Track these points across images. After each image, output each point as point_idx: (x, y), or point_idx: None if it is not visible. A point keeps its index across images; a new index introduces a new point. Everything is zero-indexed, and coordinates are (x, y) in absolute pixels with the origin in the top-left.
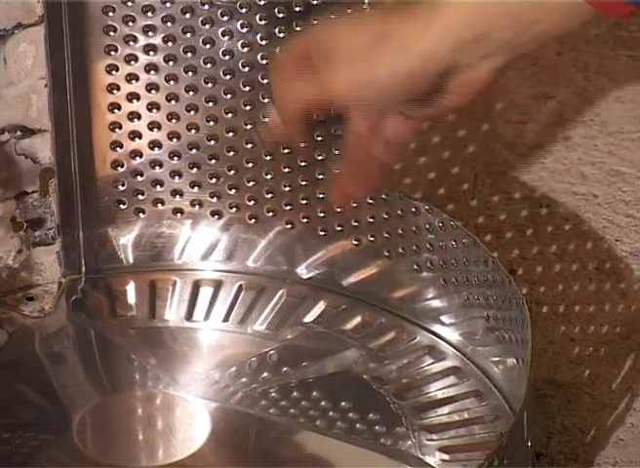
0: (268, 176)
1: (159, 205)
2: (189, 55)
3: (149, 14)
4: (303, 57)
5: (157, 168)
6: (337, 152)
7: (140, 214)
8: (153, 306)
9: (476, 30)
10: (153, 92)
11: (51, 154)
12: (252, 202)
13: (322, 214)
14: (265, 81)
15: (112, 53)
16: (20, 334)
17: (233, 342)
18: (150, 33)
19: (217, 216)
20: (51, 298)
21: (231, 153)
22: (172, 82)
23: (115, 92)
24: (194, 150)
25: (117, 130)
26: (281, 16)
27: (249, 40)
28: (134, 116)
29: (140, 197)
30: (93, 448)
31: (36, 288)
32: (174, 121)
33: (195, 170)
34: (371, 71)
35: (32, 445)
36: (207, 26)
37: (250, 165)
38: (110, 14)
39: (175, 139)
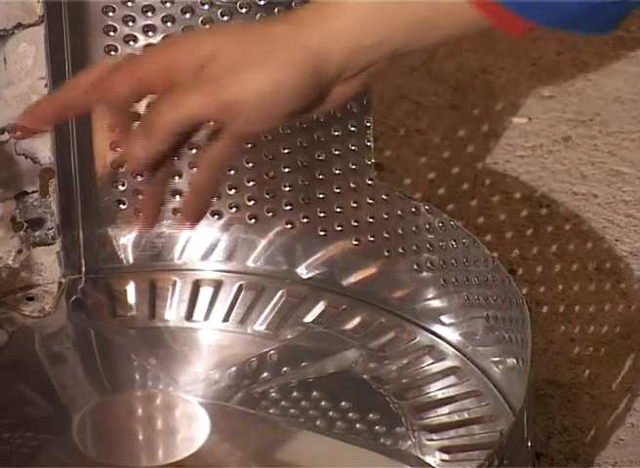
0: (268, 177)
1: None
2: None
3: (149, 14)
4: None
5: None
6: (336, 153)
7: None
8: (153, 306)
9: (374, 36)
10: None
11: (51, 154)
12: (252, 202)
13: (322, 214)
14: None
15: (112, 53)
16: (19, 334)
17: (233, 342)
18: (150, 33)
19: (217, 216)
20: (51, 298)
21: None
22: None
23: None
24: (194, 150)
25: (117, 129)
26: None
27: None
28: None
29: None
30: (93, 448)
31: (36, 288)
32: None
33: (195, 170)
34: (258, 76)
35: (32, 445)
36: (207, 26)
37: (250, 165)
38: (110, 14)
39: None
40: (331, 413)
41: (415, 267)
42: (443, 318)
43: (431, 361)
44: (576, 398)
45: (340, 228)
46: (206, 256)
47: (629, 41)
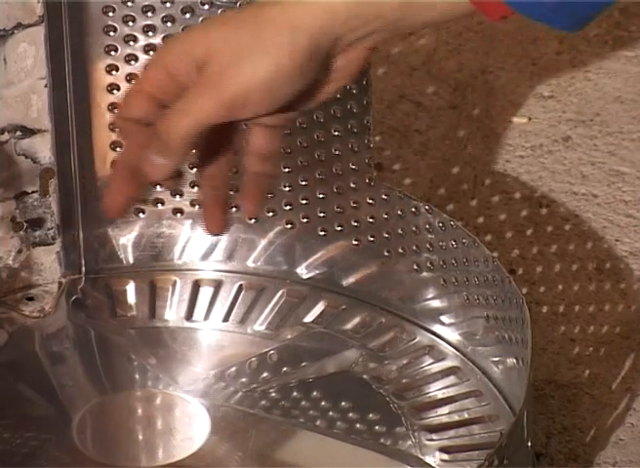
0: None
1: (159, 205)
2: None
3: (149, 14)
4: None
5: None
6: (336, 153)
7: (140, 215)
8: (153, 306)
9: (364, 7)
10: None
11: (51, 154)
12: None
13: (322, 214)
14: None
15: (112, 53)
16: (19, 334)
17: (233, 342)
18: (150, 33)
19: None
20: (51, 298)
21: None
22: None
23: (115, 92)
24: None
25: (117, 130)
26: None
27: None
28: None
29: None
30: (93, 448)
31: (36, 288)
32: None
33: (195, 170)
34: (255, 65)
35: (32, 445)
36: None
37: None
38: (110, 14)
39: None
40: (331, 413)
41: (415, 267)
42: (443, 318)
43: (431, 361)
44: (576, 398)
45: (339, 228)
46: (206, 256)
47: (629, 41)
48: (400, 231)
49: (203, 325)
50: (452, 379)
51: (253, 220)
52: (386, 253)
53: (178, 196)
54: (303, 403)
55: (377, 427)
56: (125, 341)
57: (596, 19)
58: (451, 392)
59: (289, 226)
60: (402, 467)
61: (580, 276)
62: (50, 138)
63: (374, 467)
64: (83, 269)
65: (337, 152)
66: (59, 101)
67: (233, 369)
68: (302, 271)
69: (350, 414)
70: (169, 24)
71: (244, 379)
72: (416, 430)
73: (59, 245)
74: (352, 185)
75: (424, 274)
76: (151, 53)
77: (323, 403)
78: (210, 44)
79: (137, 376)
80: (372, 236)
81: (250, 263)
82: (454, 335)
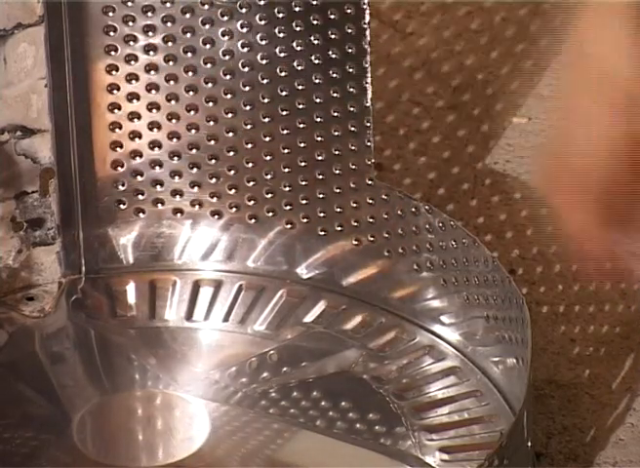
0: (268, 176)
1: (159, 205)
2: (189, 55)
3: (149, 14)
4: None
5: (157, 168)
6: (336, 153)
7: (140, 214)
8: (153, 306)
9: None
10: (153, 92)
11: (51, 154)
12: (252, 202)
13: (322, 214)
14: (265, 81)
15: (112, 53)
16: (19, 334)
17: (233, 342)
18: (150, 33)
19: (217, 216)
20: (51, 298)
21: (231, 153)
22: (172, 82)
23: (115, 92)
24: (194, 150)
25: (117, 130)
26: (281, 16)
27: (249, 40)
28: (134, 116)
29: (140, 197)
30: (93, 448)
31: (36, 288)
32: (174, 121)
33: (195, 170)
34: None
35: (32, 445)
36: (207, 26)
37: (250, 165)
38: (110, 14)
39: (175, 139)
40: (331, 413)
41: (415, 267)
42: (443, 318)
43: (431, 361)
44: (576, 398)
45: (340, 228)
46: (206, 256)
47: None
48: (400, 231)
49: (203, 325)
50: (452, 379)
51: (253, 220)
52: (386, 253)
53: (178, 196)
54: (303, 403)
55: (377, 427)
56: (125, 341)
57: None
58: (451, 392)
59: (289, 226)
60: (402, 467)
61: (581, 276)
62: (50, 138)
63: (374, 467)
64: (83, 269)
65: (337, 152)
66: (59, 101)
67: (233, 369)
68: (302, 271)
69: (350, 414)
70: (169, 24)
71: (244, 379)
72: (416, 430)
73: (59, 245)
74: (352, 185)
75: (424, 274)
76: (151, 53)
77: (323, 403)
78: None
79: (137, 376)
80: (372, 236)
81: (250, 263)
82: (454, 335)
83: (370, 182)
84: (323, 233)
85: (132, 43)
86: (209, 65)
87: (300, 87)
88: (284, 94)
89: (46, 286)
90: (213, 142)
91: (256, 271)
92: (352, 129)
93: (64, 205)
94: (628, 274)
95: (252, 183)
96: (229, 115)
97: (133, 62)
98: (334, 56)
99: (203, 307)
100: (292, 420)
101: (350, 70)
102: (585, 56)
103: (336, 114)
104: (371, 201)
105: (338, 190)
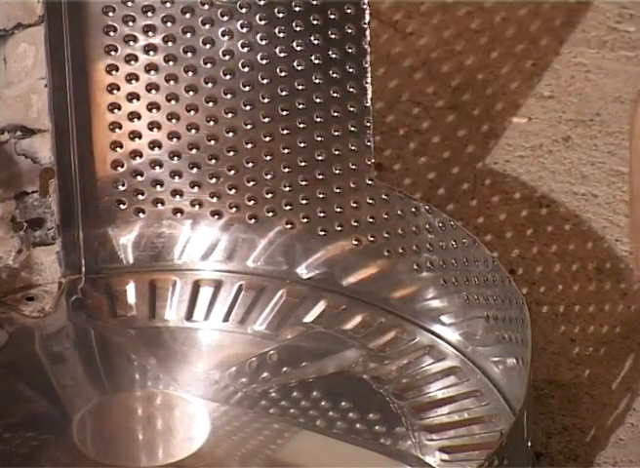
0: (268, 176)
1: (159, 205)
2: (189, 55)
3: (149, 14)
4: None
5: (157, 168)
6: (336, 153)
7: (140, 214)
8: (153, 306)
9: None
10: (153, 92)
11: (51, 154)
12: (252, 202)
13: (322, 214)
14: (265, 81)
15: (112, 53)
16: (19, 334)
17: (233, 342)
18: (150, 33)
19: (217, 216)
20: (51, 298)
21: (231, 153)
22: (172, 82)
23: (115, 92)
24: (194, 150)
25: (117, 130)
26: (281, 16)
27: (249, 40)
28: (134, 116)
29: (140, 197)
30: (93, 448)
31: (36, 288)
32: (174, 121)
33: (195, 170)
34: None
35: (32, 445)
36: (207, 26)
37: (250, 165)
38: (110, 14)
39: (175, 139)
40: (331, 413)
41: (415, 267)
42: (443, 318)
43: (431, 361)
44: (576, 398)
45: (340, 228)
46: (206, 256)
47: (629, 41)
48: (400, 231)
49: (203, 325)
50: (452, 379)
51: (253, 220)
52: (386, 253)
53: (178, 196)
54: (303, 403)
55: (377, 427)
56: (125, 341)
57: None
58: (451, 392)
59: (289, 226)
60: (402, 467)
61: (580, 276)
62: (50, 138)
63: (374, 467)
64: (83, 269)
65: (337, 152)
66: (59, 101)
67: (233, 369)
68: (302, 271)
69: (350, 414)
70: (169, 24)
71: (244, 379)
72: (416, 430)
73: (59, 245)
74: (352, 185)
75: (424, 274)
76: (151, 53)
77: (323, 403)
78: None
79: (137, 376)
80: (372, 236)
81: (250, 263)
82: (454, 335)
83: (370, 182)
84: (323, 233)
85: (132, 43)
86: (209, 65)
87: (300, 87)
88: (284, 94)
89: (46, 286)
90: (213, 142)
91: (256, 271)
92: (352, 129)
93: (64, 205)
94: None
95: (252, 183)
96: (229, 115)
97: (133, 62)
98: (334, 56)
99: (203, 307)
100: (292, 420)
101: (350, 70)
102: None
103: (336, 114)
104: (371, 201)
105: (338, 190)
